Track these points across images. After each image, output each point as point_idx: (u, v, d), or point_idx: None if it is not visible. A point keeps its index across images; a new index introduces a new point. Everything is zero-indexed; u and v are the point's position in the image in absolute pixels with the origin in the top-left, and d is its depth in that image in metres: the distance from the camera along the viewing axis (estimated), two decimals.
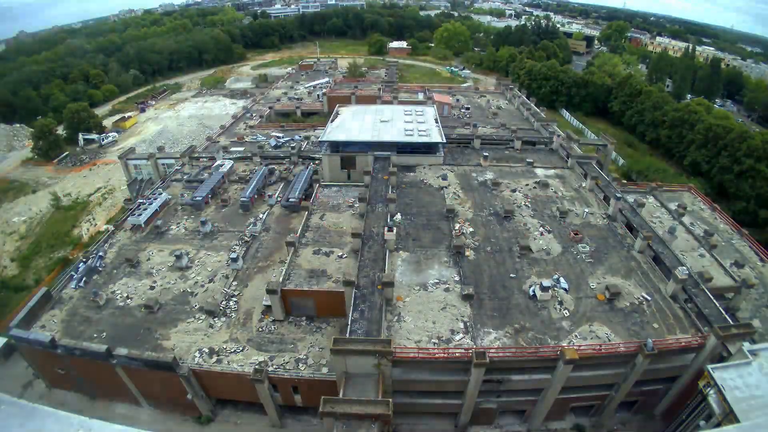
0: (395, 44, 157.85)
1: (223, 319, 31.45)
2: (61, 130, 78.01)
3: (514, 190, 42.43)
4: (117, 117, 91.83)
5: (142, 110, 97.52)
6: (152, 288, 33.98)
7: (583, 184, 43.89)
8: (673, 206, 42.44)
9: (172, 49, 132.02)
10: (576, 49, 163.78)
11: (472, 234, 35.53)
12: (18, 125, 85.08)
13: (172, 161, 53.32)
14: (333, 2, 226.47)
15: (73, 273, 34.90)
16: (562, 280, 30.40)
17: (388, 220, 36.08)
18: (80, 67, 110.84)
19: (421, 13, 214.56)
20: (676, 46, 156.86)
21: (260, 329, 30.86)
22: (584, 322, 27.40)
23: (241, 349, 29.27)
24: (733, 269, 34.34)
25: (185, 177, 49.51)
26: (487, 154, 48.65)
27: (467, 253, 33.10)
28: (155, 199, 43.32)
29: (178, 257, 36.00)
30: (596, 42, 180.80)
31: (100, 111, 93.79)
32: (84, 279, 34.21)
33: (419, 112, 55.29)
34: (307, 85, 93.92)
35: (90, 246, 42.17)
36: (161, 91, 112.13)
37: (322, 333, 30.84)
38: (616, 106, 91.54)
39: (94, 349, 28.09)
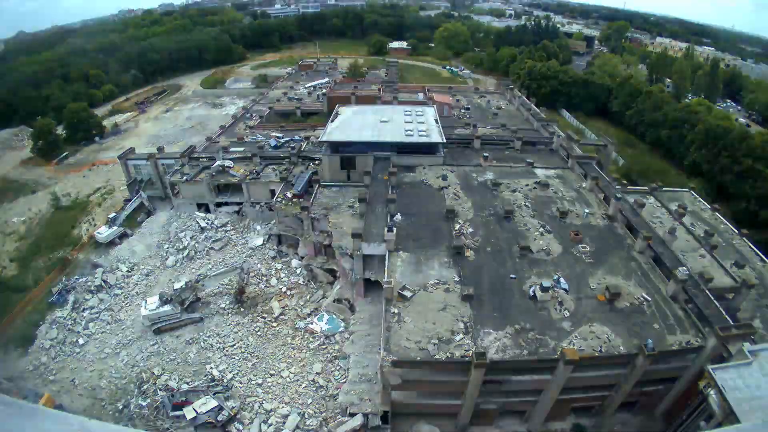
0: (395, 44, 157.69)
1: None
2: (60, 130, 77.90)
3: (514, 191, 42.36)
4: (117, 117, 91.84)
5: (142, 111, 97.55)
6: None
7: (583, 185, 43.86)
8: (673, 207, 42.39)
9: (172, 49, 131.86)
10: (576, 49, 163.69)
11: (472, 234, 35.47)
12: (17, 128, 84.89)
13: (172, 161, 53.30)
14: (333, 2, 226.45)
15: None
16: (562, 280, 30.35)
17: (388, 221, 36.06)
18: (80, 67, 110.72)
19: (421, 13, 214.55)
20: (676, 47, 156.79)
21: None
22: (584, 323, 27.35)
23: None
24: (733, 269, 34.26)
25: (185, 177, 49.61)
26: (487, 154, 48.60)
27: (467, 254, 33.04)
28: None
29: None
30: (596, 42, 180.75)
31: (100, 111, 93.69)
32: None
33: (419, 112, 55.25)
34: (307, 85, 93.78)
35: None
36: (161, 91, 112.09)
37: None
38: (616, 106, 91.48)
39: None
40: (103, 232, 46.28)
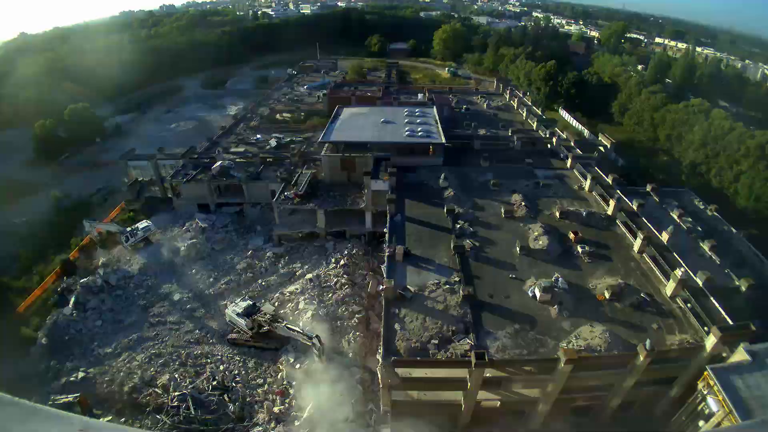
0: (396, 45, 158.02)
1: None
2: (61, 131, 78.01)
3: (514, 190, 42.45)
4: (117, 117, 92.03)
5: (143, 111, 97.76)
6: None
7: (583, 185, 43.93)
8: (673, 206, 42.49)
9: (173, 50, 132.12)
10: (575, 49, 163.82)
11: (472, 234, 35.55)
12: (18, 129, 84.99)
13: (173, 162, 53.43)
14: (333, 3, 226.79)
15: None
16: (562, 280, 30.41)
17: (388, 221, 36.16)
18: (81, 68, 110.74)
19: (422, 14, 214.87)
20: (675, 47, 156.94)
21: None
22: (584, 323, 27.41)
23: None
24: (732, 269, 34.34)
25: (186, 178, 49.75)
26: (487, 154, 48.68)
27: (467, 254, 33.10)
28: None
29: None
30: (596, 43, 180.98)
31: (100, 112, 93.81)
32: None
33: (419, 112, 55.38)
34: (307, 86, 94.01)
35: None
36: (162, 91, 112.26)
37: None
38: (615, 106, 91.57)
39: None
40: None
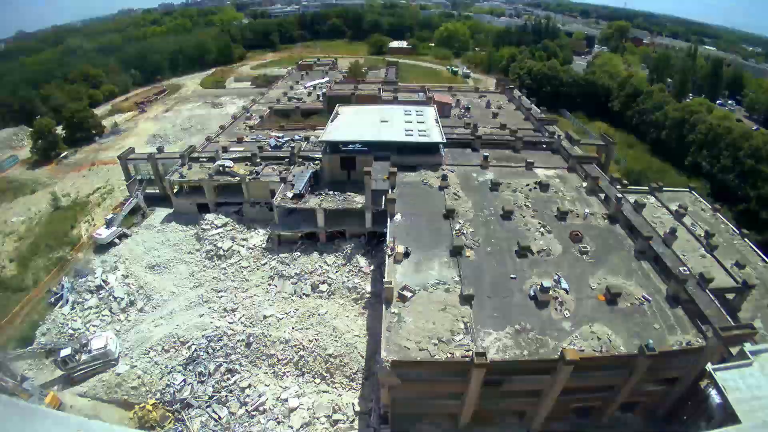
0: (395, 44, 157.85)
1: None
2: (60, 130, 77.91)
3: (514, 190, 42.29)
4: (116, 116, 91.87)
5: (142, 110, 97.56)
6: None
7: (584, 185, 43.79)
8: (674, 207, 42.35)
9: (172, 49, 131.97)
10: (576, 49, 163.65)
11: (472, 234, 35.40)
12: (17, 128, 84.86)
13: (172, 161, 53.24)
14: (333, 2, 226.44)
15: None
16: (562, 280, 30.28)
17: (388, 221, 36.03)
18: (80, 67, 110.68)
19: (422, 12, 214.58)
20: (677, 46, 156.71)
21: None
22: (585, 323, 27.28)
23: None
24: (734, 270, 34.22)
25: (185, 177, 49.59)
26: (487, 154, 48.48)
27: (467, 254, 32.97)
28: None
29: None
30: (597, 42, 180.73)
31: (99, 111, 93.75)
32: None
33: (419, 112, 55.12)
34: (306, 85, 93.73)
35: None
36: (161, 91, 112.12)
37: None
38: (617, 106, 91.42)
39: None
40: (103, 233, 46.23)
